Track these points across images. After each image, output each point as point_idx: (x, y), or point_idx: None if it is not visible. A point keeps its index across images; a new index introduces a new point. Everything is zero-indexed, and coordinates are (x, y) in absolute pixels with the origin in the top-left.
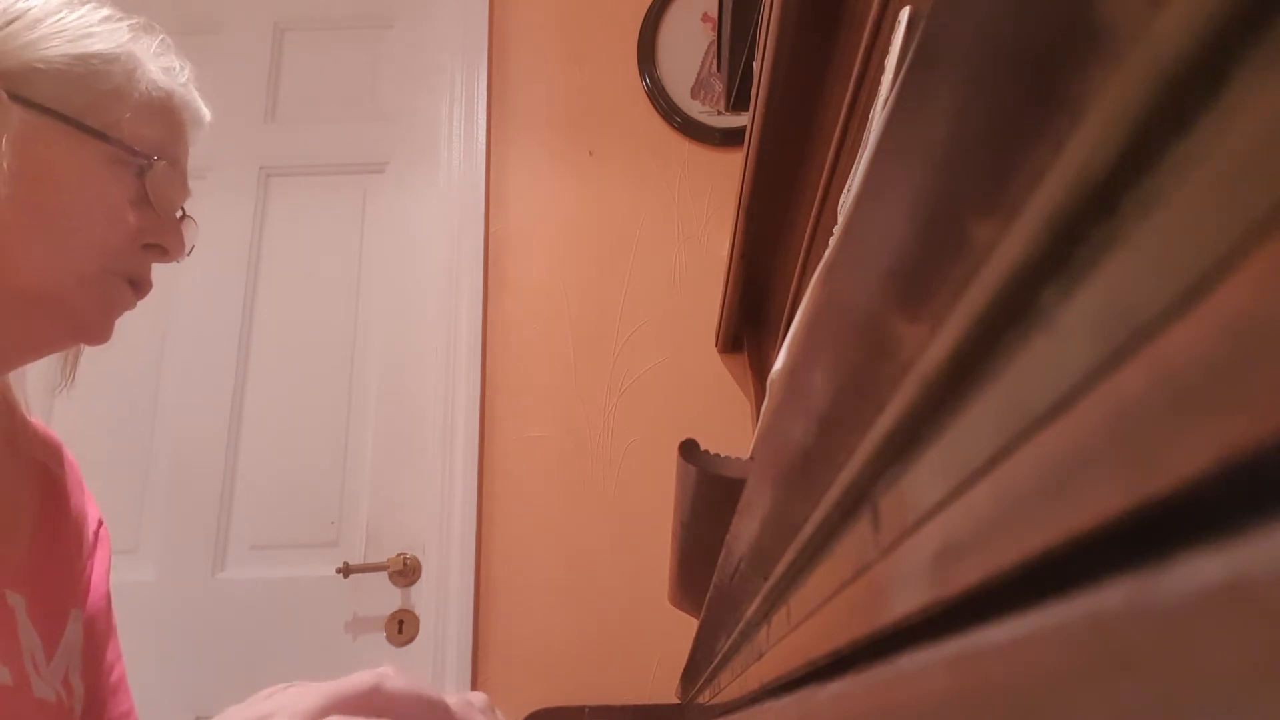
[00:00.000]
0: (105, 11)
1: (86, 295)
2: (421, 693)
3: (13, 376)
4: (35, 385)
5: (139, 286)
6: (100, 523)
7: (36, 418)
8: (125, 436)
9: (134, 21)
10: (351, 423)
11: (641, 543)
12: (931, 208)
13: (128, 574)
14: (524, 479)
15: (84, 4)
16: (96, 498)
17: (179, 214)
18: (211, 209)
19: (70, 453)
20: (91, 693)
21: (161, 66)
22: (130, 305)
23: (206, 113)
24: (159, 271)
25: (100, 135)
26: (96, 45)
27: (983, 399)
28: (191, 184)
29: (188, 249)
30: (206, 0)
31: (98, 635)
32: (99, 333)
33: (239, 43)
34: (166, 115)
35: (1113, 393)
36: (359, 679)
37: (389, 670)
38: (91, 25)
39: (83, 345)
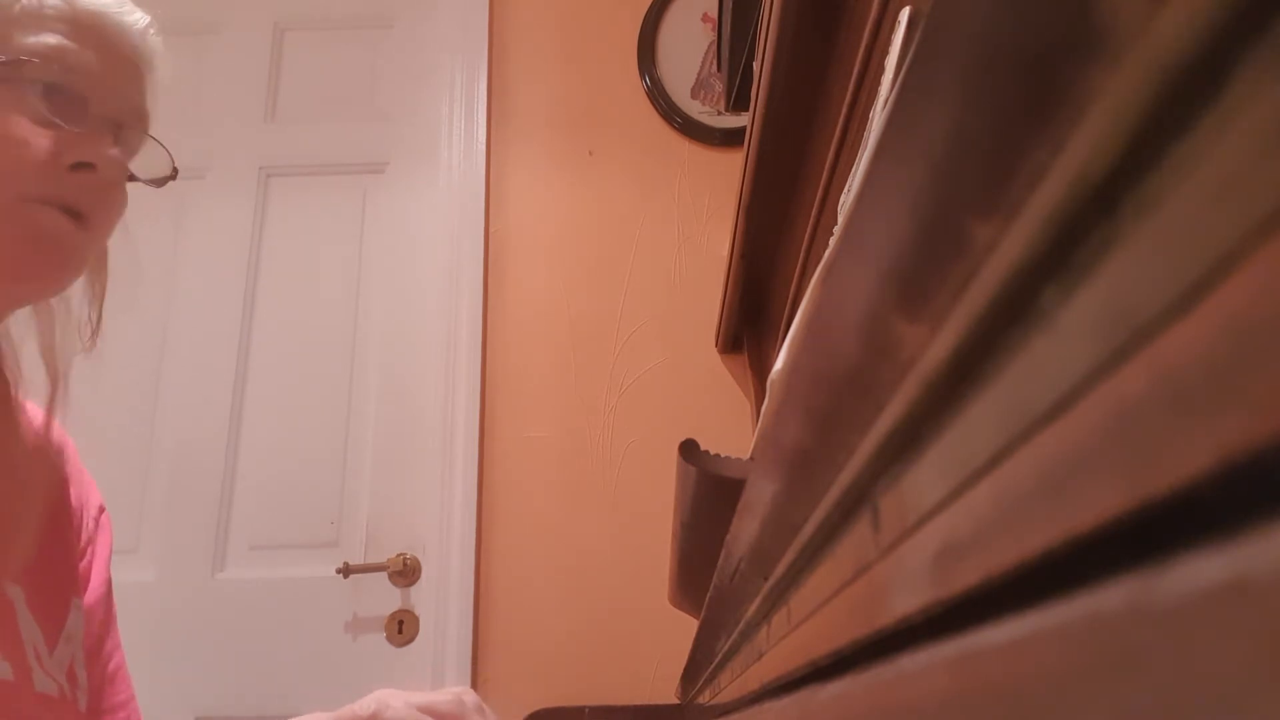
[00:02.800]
0: None
1: (9, 230)
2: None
3: (11, 365)
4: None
5: (82, 217)
6: (101, 509)
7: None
8: (125, 436)
9: None
10: (351, 423)
11: (641, 543)
12: (932, 208)
13: (128, 574)
14: (524, 479)
15: None
16: None
17: (114, 127)
18: (211, 209)
19: (70, 439)
20: (90, 682)
21: None
22: (75, 239)
23: (138, 15)
24: (159, 272)
25: None
26: None
27: (983, 399)
28: (191, 184)
29: (166, 173)
30: (206, 0)
31: (97, 624)
32: (39, 270)
33: (239, 43)
34: (65, 21)
35: (1113, 393)
36: (361, 705)
37: (388, 696)
38: None
39: (98, 302)
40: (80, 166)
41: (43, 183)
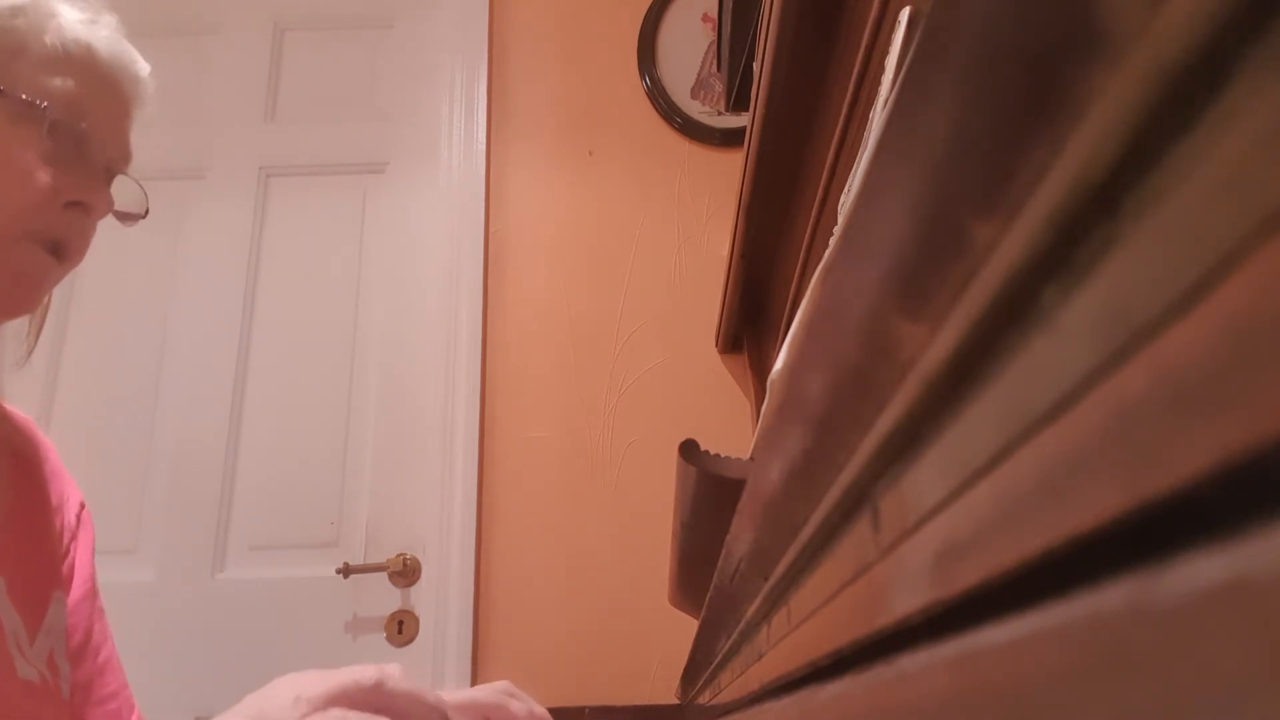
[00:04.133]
0: None
1: (2, 261)
2: (422, 696)
3: None
4: (27, 378)
5: (63, 252)
6: (82, 505)
7: (25, 411)
8: (125, 436)
9: None
10: (351, 423)
11: (641, 543)
12: (932, 208)
13: (128, 574)
14: (524, 479)
15: None
16: (95, 497)
17: (107, 171)
18: (211, 209)
19: (45, 435)
20: (80, 675)
21: (78, 19)
22: (53, 273)
23: (143, 64)
24: (160, 272)
25: None
26: None
27: (983, 399)
28: (191, 184)
29: (139, 212)
30: (206, 0)
31: (85, 619)
32: (17, 303)
33: (239, 43)
34: (83, 68)
35: (1113, 393)
36: (363, 672)
37: (394, 670)
38: None
39: (38, 323)
40: (75, 205)
41: (38, 218)
